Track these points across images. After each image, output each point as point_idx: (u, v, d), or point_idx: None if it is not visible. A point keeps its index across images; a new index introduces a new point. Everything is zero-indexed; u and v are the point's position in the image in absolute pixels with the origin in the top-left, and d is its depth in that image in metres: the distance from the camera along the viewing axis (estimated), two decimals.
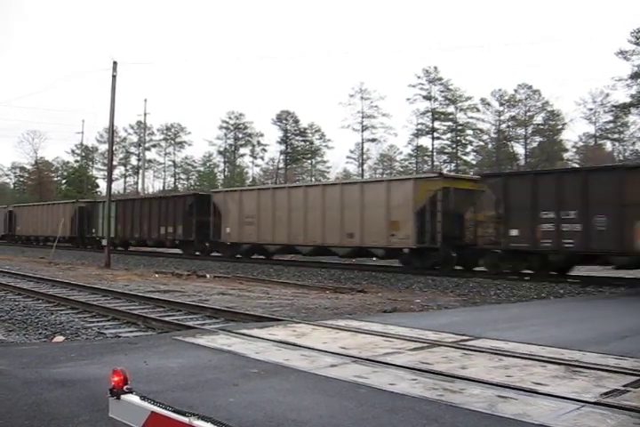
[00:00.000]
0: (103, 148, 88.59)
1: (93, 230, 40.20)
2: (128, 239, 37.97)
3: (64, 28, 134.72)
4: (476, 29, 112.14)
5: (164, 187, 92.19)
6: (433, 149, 77.44)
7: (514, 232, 19.03)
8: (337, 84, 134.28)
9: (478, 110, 75.04)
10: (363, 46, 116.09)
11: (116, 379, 2.68)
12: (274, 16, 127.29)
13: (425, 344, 7.32)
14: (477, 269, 21.58)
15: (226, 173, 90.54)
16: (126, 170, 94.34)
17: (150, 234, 34.93)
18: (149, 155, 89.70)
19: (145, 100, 73.58)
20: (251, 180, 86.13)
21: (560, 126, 73.23)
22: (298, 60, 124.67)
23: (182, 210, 32.19)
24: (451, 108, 75.82)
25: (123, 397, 2.65)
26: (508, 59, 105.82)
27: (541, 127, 73.94)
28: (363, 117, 77.78)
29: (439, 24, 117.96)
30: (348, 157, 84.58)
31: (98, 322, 11.09)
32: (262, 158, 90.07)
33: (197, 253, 32.39)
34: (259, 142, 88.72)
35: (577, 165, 61.21)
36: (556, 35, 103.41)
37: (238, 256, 29.14)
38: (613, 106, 65.81)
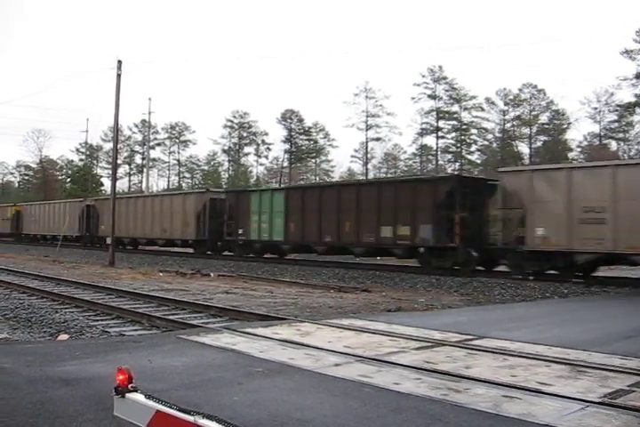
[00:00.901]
0: (108, 146, 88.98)
1: (240, 231, 28.53)
2: (311, 244, 25.76)
3: (66, 28, 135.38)
4: (477, 29, 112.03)
5: (168, 186, 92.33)
6: (437, 148, 77.46)
7: None
8: (341, 84, 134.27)
9: (483, 109, 75.02)
10: (367, 45, 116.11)
11: (120, 377, 2.68)
12: (277, 15, 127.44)
13: (429, 344, 7.31)
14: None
15: (230, 172, 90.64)
16: (131, 168, 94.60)
17: (359, 237, 23.30)
18: (154, 153, 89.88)
19: (149, 99, 73.32)
20: (255, 179, 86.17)
21: (565, 126, 73.13)
22: (302, 60, 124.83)
23: (430, 201, 21.16)
24: (455, 108, 75.82)
25: (127, 395, 2.64)
26: (508, 59, 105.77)
27: (546, 126, 73.78)
28: (367, 116, 77.80)
29: (441, 23, 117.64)
30: (352, 157, 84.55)
31: (102, 320, 11.11)
32: (267, 157, 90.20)
33: (456, 268, 20.74)
34: (263, 141, 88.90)
35: None
36: (556, 35, 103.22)
37: (551, 273, 18.90)
38: (618, 105, 65.71)
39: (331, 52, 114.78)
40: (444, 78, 74.54)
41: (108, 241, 27.61)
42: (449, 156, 78.74)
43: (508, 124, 75.20)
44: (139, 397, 2.62)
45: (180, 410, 2.43)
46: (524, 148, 75.49)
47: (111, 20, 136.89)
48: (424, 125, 76.44)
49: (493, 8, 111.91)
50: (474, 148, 78.09)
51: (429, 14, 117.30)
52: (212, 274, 21.20)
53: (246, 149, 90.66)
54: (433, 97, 74.91)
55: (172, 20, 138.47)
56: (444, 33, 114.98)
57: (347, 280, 19.91)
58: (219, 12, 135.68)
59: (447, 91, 74.94)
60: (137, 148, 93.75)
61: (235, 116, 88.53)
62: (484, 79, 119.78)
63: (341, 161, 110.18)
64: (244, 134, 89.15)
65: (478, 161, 76.30)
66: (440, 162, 77.65)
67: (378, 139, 79.90)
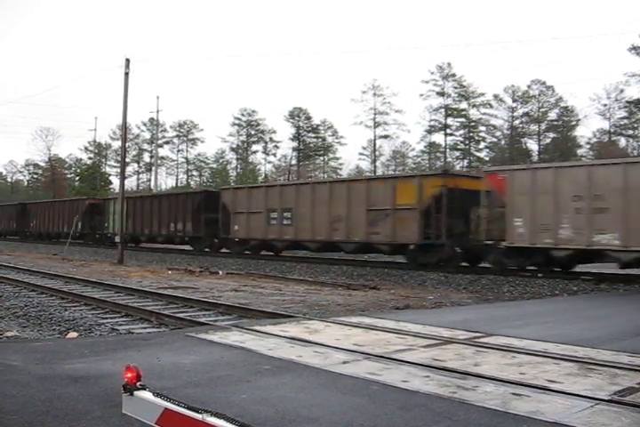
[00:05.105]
0: (116, 145, 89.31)
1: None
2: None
3: (74, 27, 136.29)
4: (483, 28, 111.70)
5: (176, 184, 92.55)
6: (446, 145, 77.39)
7: None
8: (349, 81, 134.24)
9: (491, 106, 74.88)
10: (375, 43, 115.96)
11: (129, 375, 2.68)
12: (285, 13, 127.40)
13: (438, 341, 7.30)
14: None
15: (238, 170, 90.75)
16: (139, 167, 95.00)
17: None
18: (162, 152, 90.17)
19: (157, 97, 73.63)
20: (263, 176, 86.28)
21: (574, 122, 72.82)
22: (310, 57, 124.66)
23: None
24: (464, 105, 75.72)
25: (136, 393, 2.64)
26: (515, 58, 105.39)
27: (555, 123, 73.51)
28: (375, 114, 77.85)
29: (449, 21, 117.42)
30: (360, 154, 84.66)
31: (111, 318, 11.13)
32: (275, 155, 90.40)
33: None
34: (271, 139, 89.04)
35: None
36: (556, 34, 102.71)
37: None
38: (627, 102, 65.37)
39: (339, 49, 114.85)
40: (453, 75, 74.49)
41: (117, 239, 27.68)
42: (457, 153, 78.66)
43: (517, 121, 75.05)
44: (147, 395, 2.62)
45: (188, 408, 2.43)
46: (532, 144, 75.43)
47: (119, 19, 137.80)
48: (432, 122, 76.52)
49: (499, 6, 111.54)
50: (482, 145, 78.01)
51: (436, 12, 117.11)
52: (220, 272, 21.22)
53: (254, 147, 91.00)
54: (441, 94, 74.81)
55: (181, 19, 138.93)
56: (452, 31, 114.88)
57: (355, 278, 19.91)
58: (227, 10, 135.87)
59: (456, 88, 74.85)
60: (145, 146, 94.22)
61: (243, 114, 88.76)
62: (493, 76, 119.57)
63: (350, 158, 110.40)
64: (252, 132, 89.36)
65: (487, 158, 76.10)
66: (448, 159, 77.61)
67: (386, 136, 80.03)
